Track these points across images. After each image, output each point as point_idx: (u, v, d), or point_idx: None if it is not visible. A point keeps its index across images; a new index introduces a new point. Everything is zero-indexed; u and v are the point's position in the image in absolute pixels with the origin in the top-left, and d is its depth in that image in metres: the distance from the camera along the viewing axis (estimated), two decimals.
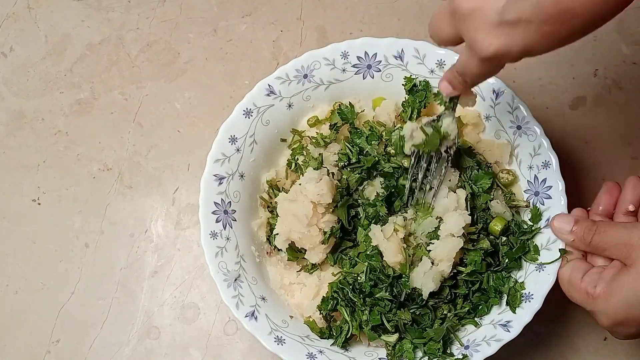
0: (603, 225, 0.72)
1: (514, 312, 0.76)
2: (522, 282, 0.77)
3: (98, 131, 0.96)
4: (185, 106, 0.97)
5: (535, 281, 0.76)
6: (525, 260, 0.79)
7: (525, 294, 0.76)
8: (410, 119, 0.84)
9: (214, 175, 0.80)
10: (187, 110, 0.96)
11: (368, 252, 0.78)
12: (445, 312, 0.77)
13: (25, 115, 0.97)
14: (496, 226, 0.78)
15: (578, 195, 0.89)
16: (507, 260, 0.78)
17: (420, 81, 0.84)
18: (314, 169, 0.80)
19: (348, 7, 1.00)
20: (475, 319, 0.78)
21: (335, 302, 0.78)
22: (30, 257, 0.91)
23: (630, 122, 0.94)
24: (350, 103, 0.85)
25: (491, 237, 0.79)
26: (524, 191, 0.81)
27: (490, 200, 0.79)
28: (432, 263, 0.76)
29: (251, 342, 0.87)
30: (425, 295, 0.75)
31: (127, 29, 1.00)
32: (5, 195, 0.93)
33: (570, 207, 0.78)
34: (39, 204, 0.93)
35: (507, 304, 0.77)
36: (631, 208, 0.75)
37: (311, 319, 0.79)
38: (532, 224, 0.79)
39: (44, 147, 0.95)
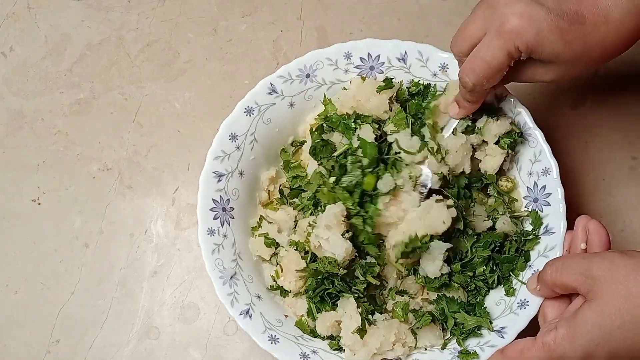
0: (560, 260, 0.70)
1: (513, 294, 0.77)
2: (515, 289, 0.77)
3: (98, 131, 0.96)
4: (185, 106, 0.97)
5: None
6: (512, 275, 0.79)
7: (521, 300, 0.76)
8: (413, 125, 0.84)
9: (213, 172, 0.80)
10: (187, 110, 0.96)
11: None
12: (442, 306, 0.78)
13: (25, 115, 0.97)
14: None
15: (578, 196, 0.89)
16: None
17: (424, 85, 0.84)
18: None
19: (348, 7, 1.00)
20: (478, 330, 0.77)
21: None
22: (30, 257, 0.91)
23: (630, 122, 0.94)
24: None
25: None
26: (523, 197, 0.81)
27: (495, 222, 0.80)
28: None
29: (251, 342, 0.87)
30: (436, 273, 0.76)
31: (127, 29, 1.00)
32: (5, 195, 0.93)
33: (569, 213, 0.77)
34: (39, 204, 0.93)
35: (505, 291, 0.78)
36: (583, 247, 0.74)
37: (302, 319, 0.79)
38: (532, 227, 0.79)
39: (44, 147, 0.95)
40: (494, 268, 0.78)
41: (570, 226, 0.76)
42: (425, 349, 0.77)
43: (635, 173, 0.92)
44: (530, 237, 0.79)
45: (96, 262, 0.90)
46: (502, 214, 0.80)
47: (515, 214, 0.81)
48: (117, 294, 0.89)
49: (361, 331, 0.75)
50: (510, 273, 0.78)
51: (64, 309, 0.89)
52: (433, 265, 0.76)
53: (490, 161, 0.80)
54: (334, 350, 0.77)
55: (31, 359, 0.87)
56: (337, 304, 0.77)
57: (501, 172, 0.81)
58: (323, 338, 0.78)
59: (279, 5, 1.01)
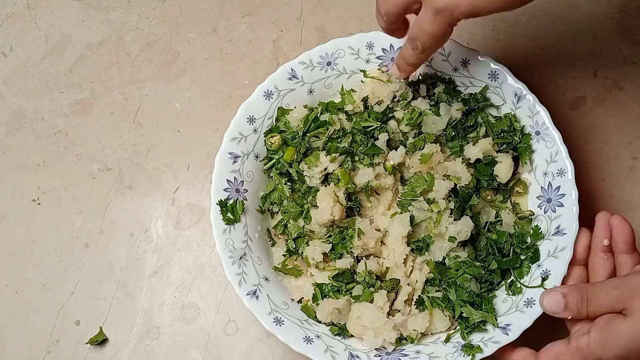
0: (592, 291, 0.70)
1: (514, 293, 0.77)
2: (520, 286, 0.77)
3: (98, 131, 0.96)
4: (185, 106, 0.97)
5: (540, 288, 0.76)
6: (514, 276, 0.79)
7: (527, 299, 0.76)
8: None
9: (229, 154, 0.80)
10: (187, 110, 0.96)
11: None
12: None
13: (25, 115, 0.97)
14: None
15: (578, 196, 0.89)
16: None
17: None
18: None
19: (348, 7, 1.00)
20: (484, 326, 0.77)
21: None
22: (30, 257, 0.91)
23: (630, 122, 0.94)
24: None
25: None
26: (537, 197, 0.81)
27: (501, 210, 0.80)
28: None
29: (251, 342, 0.87)
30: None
31: (127, 29, 1.00)
32: (5, 195, 0.93)
33: (580, 215, 0.77)
34: (39, 204, 0.93)
35: (509, 287, 0.78)
36: (606, 243, 0.75)
37: (308, 304, 0.79)
38: (531, 239, 0.80)
39: (44, 147, 0.95)
40: (501, 268, 0.79)
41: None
42: (432, 334, 0.78)
43: (635, 173, 0.92)
44: (527, 248, 0.79)
45: (96, 262, 0.90)
46: (508, 214, 0.81)
47: (519, 214, 0.81)
48: (117, 294, 0.89)
49: (370, 320, 0.75)
50: (513, 272, 0.79)
51: (64, 309, 0.89)
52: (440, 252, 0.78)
53: (502, 168, 0.81)
54: (335, 335, 0.77)
55: (31, 359, 0.87)
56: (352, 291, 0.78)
57: (514, 173, 0.82)
58: (326, 324, 0.78)
59: (279, 5, 1.01)
